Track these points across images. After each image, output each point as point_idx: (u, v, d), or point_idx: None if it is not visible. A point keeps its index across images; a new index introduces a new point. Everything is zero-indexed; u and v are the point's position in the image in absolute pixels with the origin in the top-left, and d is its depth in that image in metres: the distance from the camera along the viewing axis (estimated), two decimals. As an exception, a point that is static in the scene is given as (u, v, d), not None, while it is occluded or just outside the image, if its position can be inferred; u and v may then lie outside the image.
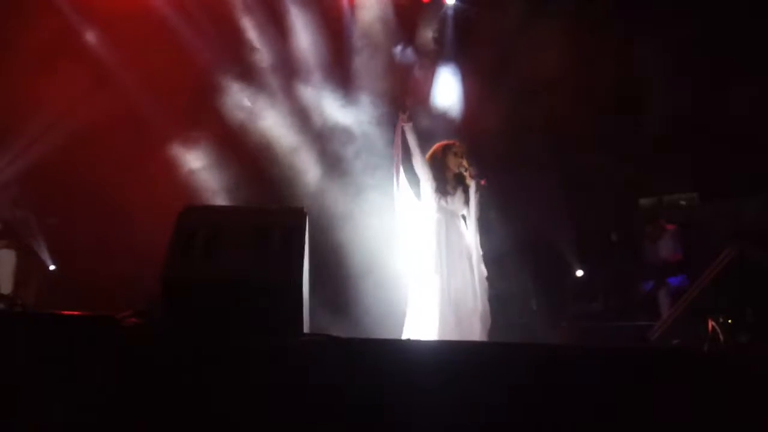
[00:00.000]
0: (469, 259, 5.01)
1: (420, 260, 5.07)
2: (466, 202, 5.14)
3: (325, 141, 7.76)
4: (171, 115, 7.34)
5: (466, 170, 5.10)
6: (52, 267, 7.74)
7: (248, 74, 7.82)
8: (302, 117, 7.73)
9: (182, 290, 3.27)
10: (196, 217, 3.53)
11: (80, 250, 7.04)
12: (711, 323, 3.67)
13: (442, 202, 5.11)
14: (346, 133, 7.62)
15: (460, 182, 5.16)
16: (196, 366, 3.06)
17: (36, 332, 3.03)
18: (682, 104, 8.48)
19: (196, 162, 7.25)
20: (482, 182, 5.10)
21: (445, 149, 5.22)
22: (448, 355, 3.31)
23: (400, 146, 5.14)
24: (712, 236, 7.59)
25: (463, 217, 5.17)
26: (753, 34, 8.05)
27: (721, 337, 3.61)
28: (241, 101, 7.59)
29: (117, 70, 7.45)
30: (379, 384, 3.09)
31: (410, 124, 5.10)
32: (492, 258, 7.58)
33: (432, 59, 8.83)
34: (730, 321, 3.67)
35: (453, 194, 5.14)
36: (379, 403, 3.04)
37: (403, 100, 5.17)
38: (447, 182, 5.17)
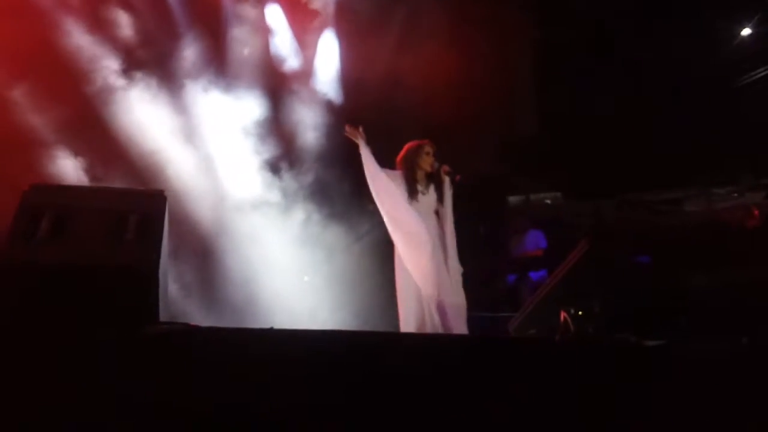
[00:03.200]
0: (444, 252, 5.08)
1: (399, 259, 5.13)
2: (439, 199, 5.21)
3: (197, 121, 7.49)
4: (24, 83, 6.78)
5: (439, 168, 5.18)
6: None
7: (117, 51, 7.41)
8: (171, 96, 7.40)
9: (23, 275, 3.03)
10: (43, 197, 3.31)
11: None
12: (563, 314, 3.86)
13: (414, 201, 5.15)
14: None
15: (431, 180, 5.22)
16: (37, 357, 2.86)
17: None
18: (550, 107, 8.91)
19: (50, 136, 6.73)
20: (456, 178, 5.19)
21: (417, 149, 5.25)
22: (306, 344, 3.28)
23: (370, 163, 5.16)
24: (573, 233, 8.01)
25: (436, 213, 5.21)
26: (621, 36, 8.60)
27: (571, 327, 3.80)
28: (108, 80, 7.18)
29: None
30: (240, 374, 3.01)
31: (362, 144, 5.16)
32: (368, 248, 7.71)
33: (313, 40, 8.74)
34: (580, 312, 3.87)
35: (426, 193, 5.20)
36: (236, 395, 2.96)
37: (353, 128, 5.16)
38: (418, 181, 5.21)
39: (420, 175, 5.26)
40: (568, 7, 8.77)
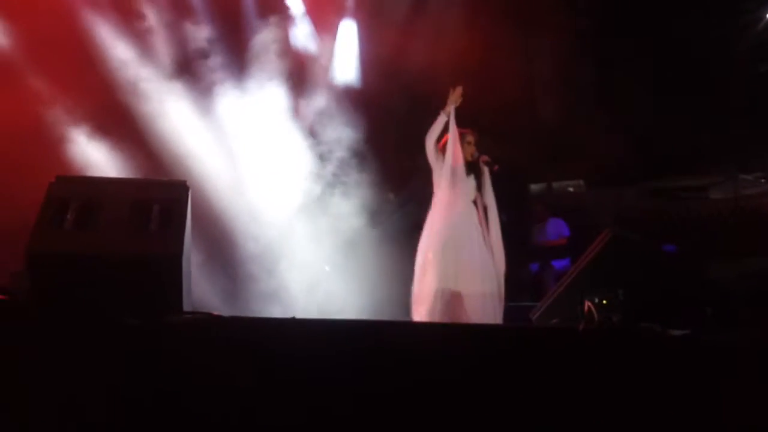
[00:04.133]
0: (486, 241, 5.09)
1: (429, 241, 5.12)
2: (478, 187, 5.21)
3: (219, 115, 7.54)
4: (49, 77, 6.85)
5: (479, 158, 5.18)
6: None
7: (139, 46, 7.47)
8: (194, 90, 7.45)
9: (50, 264, 3.07)
10: (69, 189, 3.34)
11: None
12: (587, 304, 3.82)
13: (454, 188, 5.14)
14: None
15: (471, 169, 5.22)
16: (65, 344, 2.90)
17: None
18: (573, 97, 8.82)
19: (75, 132, 6.83)
20: (495, 168, 5.20)
21: (460, 138, 5.23)
22: (332, 335, 3.28)
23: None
24: (596, 221, 7.94)
25: (474, 203, 5.21)
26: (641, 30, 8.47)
27: (595, 317, 3.76)
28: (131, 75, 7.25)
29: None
30: (261, 363, 3.03)
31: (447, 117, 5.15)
32: (389, 238, 7.71)
33: (332, 39, 8.73)
34: (604, 302, 3.83)
35: (465, 181, 5.20)
36: (260, 384, 2.98)
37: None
38: (458, 169, 5.20)
39: (461, 163, 5.24)
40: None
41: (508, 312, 6.46)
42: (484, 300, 5.00)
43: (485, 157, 5.22)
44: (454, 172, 5.16)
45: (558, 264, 7.89)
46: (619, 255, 4.10)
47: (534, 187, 9.25)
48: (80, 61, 7.02)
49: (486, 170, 5.24)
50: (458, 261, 5.02)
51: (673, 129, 8.09)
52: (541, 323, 4.49)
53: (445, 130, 5.25)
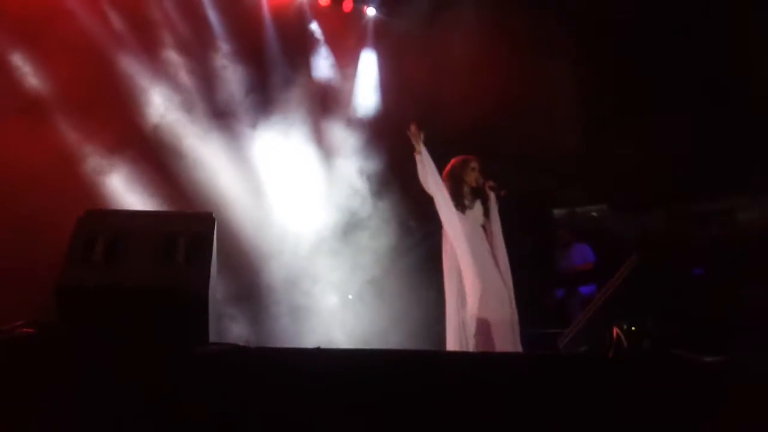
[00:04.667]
0: (497, 266, 5.09)
1: (449, 271, 5.13)
2: (485, 213, 5.23)
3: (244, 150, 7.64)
4: (76, 113, 7.02)
5: (484, 183, 5.20)
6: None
7: (164, 80, 7.62)
8: (215, 124, 7.57)
9: (79, 298, 3.10)
10: (97, 223, 3.38)
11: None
12: (616, 330, 3.77)
13: (461, 216, 5.16)
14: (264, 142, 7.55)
15: (477, 195, 5.25)
16: (93, 377, 2.92)
17: None
18: (593, 121, 8.79)
19: (101, 166, 6.97)
20: (501, 194, 5.20)
21: (463, 164, 5.30)
22: (357, 364, 3.27)
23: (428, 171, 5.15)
24: (621, 246, 7.85)
25: (483, 228, 5.24)
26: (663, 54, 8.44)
27: (624, 343, 3.71)
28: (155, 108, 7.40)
29: (19, 68, 7.05)
30: (286, 394, 3.02)
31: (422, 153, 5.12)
32: (410, 265, 7.70)
33: (352, 67, 8.83)
34: (633, 328, 3.77)
35: (471, 207, 5.23)
36: (285, 414, 2.97)
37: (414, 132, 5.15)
38: (464, 196, 5.23)
39: (466, 189, 5.27)
40: (608, 17, 8.66)
41: (533, 339, 6.41)
42: (503, 326, 4.97)
43: (491, 183, 5.22)
44: (457, 200, 5.19)
45: (584, 290, 7.80)
46: (648, 280, 4.05)
47: (557, 212, 9.19)
48: (109, 99, 7.18)
49: (492, 195, 5.24)
50: (475, 288, 5.00)
51: (699, 150, 8.01)
52: (569, 350, 4.44)
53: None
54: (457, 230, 5.11)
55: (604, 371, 3.45)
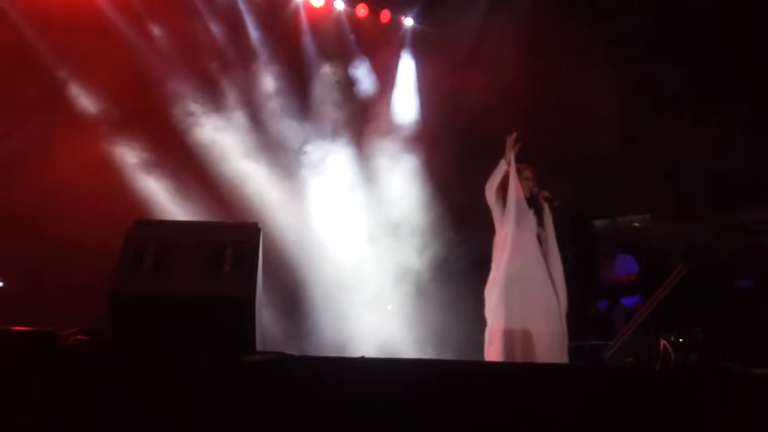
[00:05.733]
0: (550, 277, 5.08)
1: (496, 280, 5.10)
2: (539, 223, 5.20)
3: (283, 158, 7.74)
4: (123, 128, 7.21)
5: (538, 193, 5.20)
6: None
7: (208, 96, 7.77)
8: (258, 136, 7.69)
9: (130, 307, 3.18)
10: (146, 233, 3.45)
11: (26, 267, 6.82)
12: (663, 342, 3.72)
13: (514, 225, 5.13)
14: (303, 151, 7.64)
15: (531, 205, 5.22)
16: (144, 384, 2.98)
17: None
18: (634, 126, 8.68)
19: (148, 177, 7.15)
20: (555, 204, 5.20)
21: (516, 174, 5.26)
22: (402, 373, 3.28)
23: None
24: (664, 256, 7.71)
25: (537, 238, 5.20)
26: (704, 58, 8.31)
27: (672, 356, 3.65)
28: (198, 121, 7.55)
29: (64, 84, 7.28)
30: (332, 402, 3.05)
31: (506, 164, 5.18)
32: (450, 276, 7.69)
33: (391, 77, 8.88)
34: (681, 340, 3.72)
35: (525, 217, 5.19)
36: (331, 422, 3.00)
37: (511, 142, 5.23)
38: (518, 206, 5.20)
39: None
40: (645, 21, 8.56)
41: (576, 351, 6.33)
42: (551, 338, 4.92)
43: (545, 193, 5.19)
44: (517, 210, 5.13)
45: (627, 301, 7.68)
46: (696, 291, 3.97)
47: (598, 223, 9.07)
48: (153, 111, 7.36)
49: (546, 205, 5.21)
50: (524, 299, 4.95)
51: (744, 156, 7.84)
52: (614, 363, 4.37)
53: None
54: (509, 240, 5.08)
55: (652, 384, 3.40)
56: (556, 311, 5.00)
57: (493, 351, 4.94)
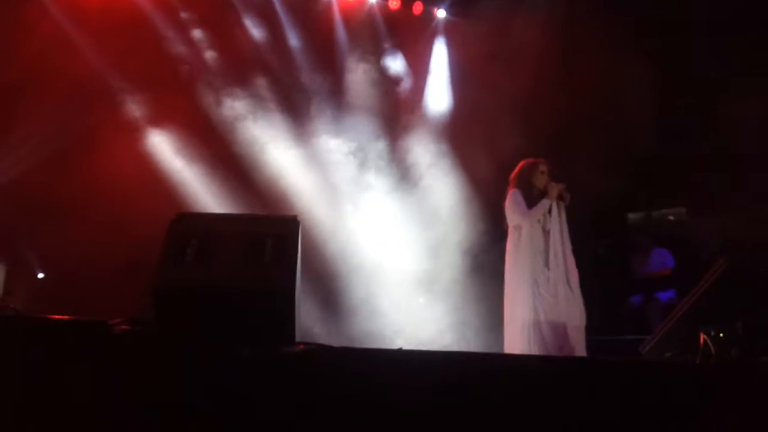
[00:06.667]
0: (564, 269, 5.11)
1: (514, 273, 5.18)
2: (552, 218, 5.25)
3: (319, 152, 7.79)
4: (164, 124, 7.34)
5: (553, 187, 5.25)
6: (40, 275, 7.66)
7: (244, 88, 7.85)
8: (295, 128, 7.75)
9: (174, 297, 3.24)
10: (188, 225, 3.50)
11: (70, 258, 6.97)
12: (703, 336, 3.68)
13: (529, 218, 5.21)
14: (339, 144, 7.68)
15: (545, 197, 5.27)
16: (187, 373, 3.04)
17: (27, 336, 3.01)
18: (670, 120, 8.56)
19: (188, 170, 7.26)
20: (569, 197, 5.26)
21: (532, 167, 5.35)
22: (440, 365, 3.29)
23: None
24: (700, 250, 7.61)
25: (548, 232, 5.24)
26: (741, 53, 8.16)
27: (712, 350, 3.62)
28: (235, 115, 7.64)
29: (109, 80, 7.42)
30: (370, 393, 3.08)
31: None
32: (485, 268, 7.67)
33: (423, 69, 8.87)
34: (721, 334, 3.68)
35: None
36: (370, 412, 3.03)
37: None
38: (532, 199, 5.28)
39: (534, 193, 5.28)
40: (683, 16, 8.42)
41: (611, 346, 6.29)
42: (576, 331, 4.93)
43: (562, 186, 5.22)
44: (525, 203, 5.24)
45: (662, 296, 7.59)
46: (737, 285, 3.92)
47: (632, 216, 8.98)
48: (194, 110, 7.48)
49: (562, 201, 5.26)
50: (539, 291, 5.00)
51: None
52: (652, 357, 4.34)
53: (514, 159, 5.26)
54: (524, 233, 5.10)
55: (692, 378, 3.37)
56: (573, 302, 5.04)
57: (516, 344, 4.95)
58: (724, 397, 3.23)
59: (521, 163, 5.42)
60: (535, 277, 5.05)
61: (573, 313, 4.99)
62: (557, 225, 5.20)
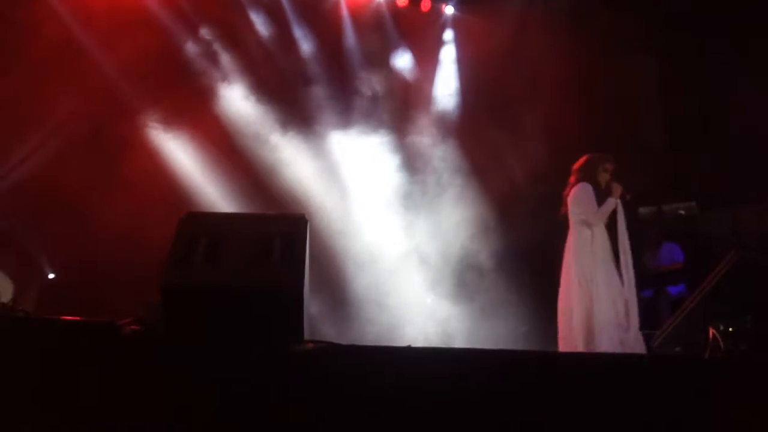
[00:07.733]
0: (617, 269, 5.11)
1: (572, 271, 5.16)
2: (611, 215, 5.26)
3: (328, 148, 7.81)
4: (173, 124, 7.38)
5: (616, 187, 5.26)
6: (51, 275, 7.72)
7: (253, 87, 7.88)
8: (302, 124, 7.77)
9: (182, 297, 3.25)
10: (197, 224, 3.51)
11: (80, 258, 7.03)
12: (712, 331, 3.67)
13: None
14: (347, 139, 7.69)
15: (604, 197, 5.26)
16: (196, 372, 3.06)
17: (37, 337, 3.03)
18: (680, 113, 8.52)
19: (197, 170, 7.30)
20: (627, 197, 5.26)
21: (597, 163, 5.31)
22: (448, 362, 3.30)
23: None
24: (711, 244, 7.58)
25: (607, 228, 5.27)
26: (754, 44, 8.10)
27: (721, 344, 3.60)
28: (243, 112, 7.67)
29: (115, 79, 7.46)
30: (379, 390, 3.09)
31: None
32: (495, 264, 7.67)
33: (431, 67, 8.86)
34: (730, 329, 3.66)
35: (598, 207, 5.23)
36: (379, 410, 3.04)
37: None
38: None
39: (596, 189, 5.27)
40: (694, 11, 8.36)
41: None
42: (619, 330, 4.92)
43: (620, 187, 5.25)
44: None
45: (672, 290, 7.57)
46: (747, 278, 3.90)
47: (642, 210, 8.94)
48: (212, 112, 7.51)
49: (620, 199, 5.27)
50: (593, 288, 4.98)
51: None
52: (662, 351, 4.33)
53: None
54: (597, 232, 5.15)
55: (701, 373, 3.36)
56: (622, 300, 5.04)
57: (567, 341, 4.96)
58: (733, 392, 3.22)
59: (586, 156, 5.36)
60: (609, 278, 5.03)
61: (635, 317, 4.97)
62: (623, 226, 5.20)
